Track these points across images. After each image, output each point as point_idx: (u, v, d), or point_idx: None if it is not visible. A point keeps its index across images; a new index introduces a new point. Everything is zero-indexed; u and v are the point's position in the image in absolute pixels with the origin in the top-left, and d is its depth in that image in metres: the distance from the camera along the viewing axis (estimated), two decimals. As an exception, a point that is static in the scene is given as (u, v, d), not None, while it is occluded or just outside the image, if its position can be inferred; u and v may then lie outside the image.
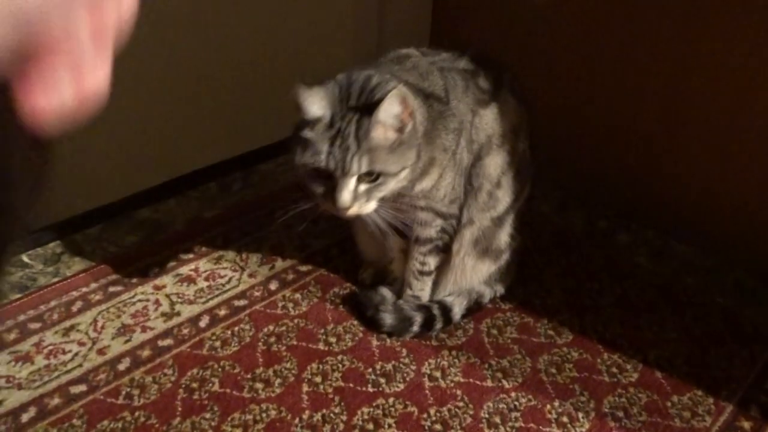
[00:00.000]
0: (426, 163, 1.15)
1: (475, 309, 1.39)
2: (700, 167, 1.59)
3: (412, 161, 1.10)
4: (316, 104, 1.05)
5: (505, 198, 1.31)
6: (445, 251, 1.33)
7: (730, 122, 1.51)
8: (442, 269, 1.36)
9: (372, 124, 1.04)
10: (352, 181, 1.07)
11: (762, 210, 1.53)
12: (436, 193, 1.20)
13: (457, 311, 1.36)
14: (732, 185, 1.55)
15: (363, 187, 1.08)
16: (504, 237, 1.35)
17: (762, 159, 1.49)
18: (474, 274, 1.37)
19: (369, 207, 1.11)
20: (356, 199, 1.08)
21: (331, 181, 1.08)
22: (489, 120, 1.24)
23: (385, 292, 1.38)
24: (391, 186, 1.10)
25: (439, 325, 1.34)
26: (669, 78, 1.57)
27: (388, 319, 1.32)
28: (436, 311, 1.34)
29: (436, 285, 1.38)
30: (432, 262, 1.33)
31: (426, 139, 1.14)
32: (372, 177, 1.08)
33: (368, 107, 1.05)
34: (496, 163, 1.27)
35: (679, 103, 1.57)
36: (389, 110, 1.04)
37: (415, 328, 1.33)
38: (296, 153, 1.08)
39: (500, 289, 1.43)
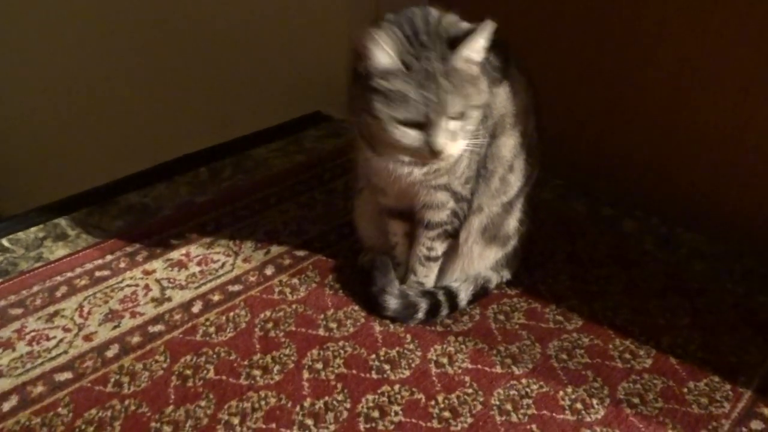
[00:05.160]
0: None
1: (482, 295, 1.34)
2: (706, 153, 1.56)
3: (487, 91, 1.07)
4: (388, 51, 0.98)
5: (516, 182, 1.26)
6: (453, 236, 1.27)
7: (736, 106, 1.47)
8: (448, 256, 1.31)
9: (457, 60, 1.00)
10: (446, 122, 1.02)
11: (769, 196, 1.49)
12: (459, 166, 1.15)
13: (463, 297, 1.31)
14: (738, 172, 1.52)
15: (453, 125, 1.03)
16: (513, 222, 1.31)
17: (771, 143, 1.46)
18: (481, 261, 1.31)
19: (459, 146, 1.06)
20: (452, 140, 1.03)
21: (421, 127, 1.02)
22: (502, 99, 1.19)
23: (393, 274, 1.32)
24: (474, 118, 1.06)
25: (444, 311, 1.29)
26: (674, 62, 1.53)
27: (392, 303, 1.26)
28: (441, 297, 1.29)
29: (442, 272, 1.33)
30: (439, 247, 1.27)
31: None
32: (460, 114, 1.03)
33: (449, 43, 1.01)
34: (509, 144, 1.22)
35: (684, 87, 1.54)
36: (476, 45, 1.01)
37: (420, 315, 1.27)
38: (374, 108, 1.01)
39: (507, 275, 1.37)
